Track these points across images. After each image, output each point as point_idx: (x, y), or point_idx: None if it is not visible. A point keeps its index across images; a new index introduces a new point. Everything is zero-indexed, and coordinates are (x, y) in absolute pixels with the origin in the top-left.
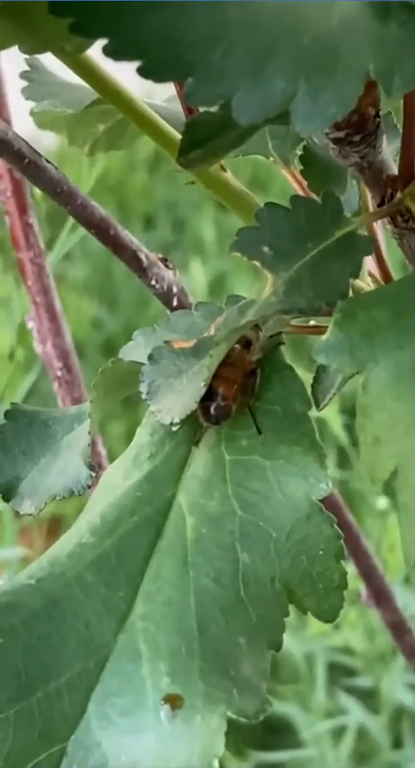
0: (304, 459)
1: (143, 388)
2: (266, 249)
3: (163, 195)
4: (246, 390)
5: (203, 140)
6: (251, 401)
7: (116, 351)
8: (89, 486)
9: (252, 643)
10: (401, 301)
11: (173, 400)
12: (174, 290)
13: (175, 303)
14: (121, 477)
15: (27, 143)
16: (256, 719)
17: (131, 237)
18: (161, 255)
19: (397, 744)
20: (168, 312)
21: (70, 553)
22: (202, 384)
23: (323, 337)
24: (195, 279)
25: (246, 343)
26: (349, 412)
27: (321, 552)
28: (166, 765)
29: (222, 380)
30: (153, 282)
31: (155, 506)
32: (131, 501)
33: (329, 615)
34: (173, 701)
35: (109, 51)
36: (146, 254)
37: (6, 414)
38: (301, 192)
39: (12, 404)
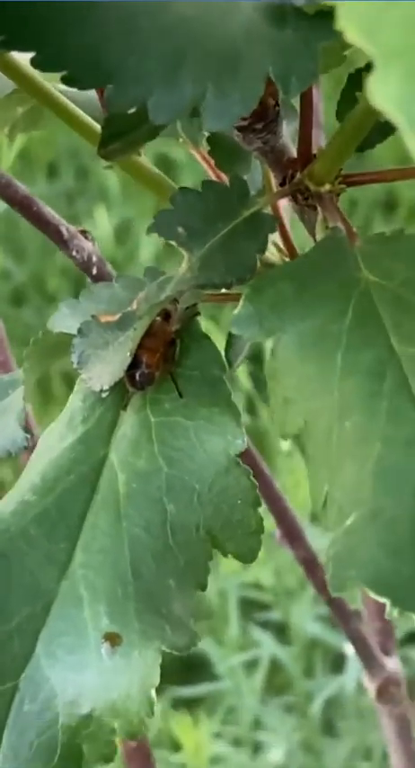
0: (221, 419)
1: (73, 358)
2: (181, 230)
3: (65, 144)
4: (167, 358)
5: (121, 134)
6: (173, 368)
7: (23, 301)
8: (25, 448)
9: (181, 585)
10: (303, 276)
11: (102, 369)
12: (94, 259)
13: (95, 271)
14: (57, 439)
15: None
16: (186, 652)
17: (53, 213)
18: (80, 228)
19: (308, 673)
20: (89, 281)
21: (14, 511)
22: (128, 354)
23: (235, 311)
24: (100, 227)
25: (166, 316)
26: (253, 360)
27: (239, 501)
28: (108, 696)
29: (145, 350)
30: (74, 254)
31: (89, 465)
32: (67, 461)
33: (248, 557)
34: (113, 639)
35: (36, 63)
36: (67, 227)
37: None
38: (209, 171)
39: None
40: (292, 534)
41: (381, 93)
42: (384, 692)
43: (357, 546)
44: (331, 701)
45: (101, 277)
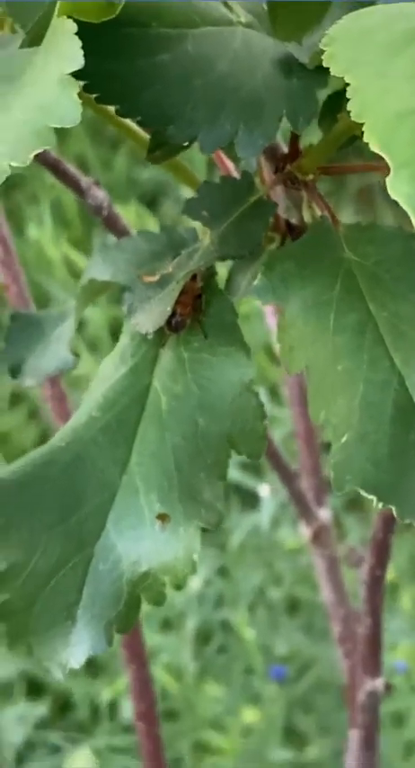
0: (236, 354)
1: (124, 308)
2: (205, 213)
3: None
4: (196, 309)
5: (163, 144)
6: (200, 316)
7: None
8: (72, 368)
9: (209, 477)
10: (302, 256)
11: (146, 317)
12: (105, 204)
13: (106, 213)
14: (113, 369)
15: None
16: (217, 527)
17: (74, 170)
18: (94, 180)
19: (227, 512)
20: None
21: (84, 424)
22: (167, 308)
23: (256, 282)
24: None
25: (193, 277)
26: None
27: (250, 416)
28: (161, 559)
29: (179, 303)
30: (90, 201)
31: (139, 390)
32: (121, 387)
33: (256, 456)
34: (163, 518)
35: (118, 113)
36: (85, 180)
37: (11, 317)
38: (219, 165)
39: (14, 310)
40: None
41: (395, 192)
42: (317, 537)
43: (351, 459)
44: (245, 536)
45: (110, 217)
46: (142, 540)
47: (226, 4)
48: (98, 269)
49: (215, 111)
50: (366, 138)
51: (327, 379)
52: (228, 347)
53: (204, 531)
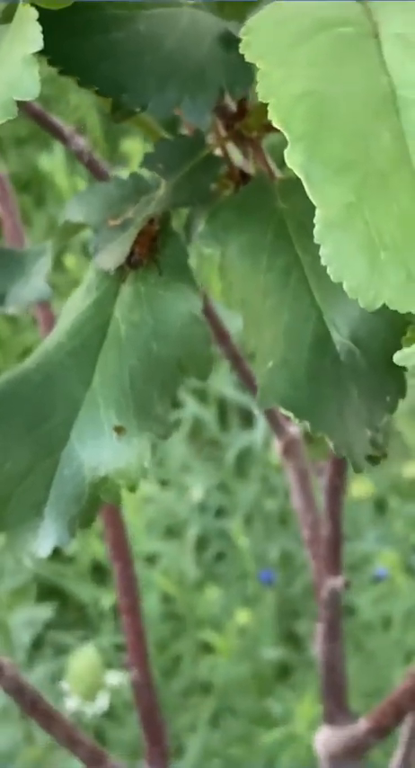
0: (187, 289)
1: (91, 248)
2: (160, 166)
3: None
4: (152, 249)
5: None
6: (156, 255)
7: None
8: (48, 297)
9: (161, 395)
10: (241, 206)
11: (109, 256)
12: (86, 151)
13: (86, 159)
14: (80, 301)
15: None
16: (166, 438)
17: (58, 120)
18: (75, 128)
19: (224, 429)
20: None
21: (54, 347)
22: (127, 248)
23: (201, 228)
24: None
25: (151, 221)
26: None
27: (199, 342)
28: (117, 465)
29: (138, 244)
30: (73, 148)
31: (102, 319)
32: (87, 316)
33: (204, 376)
34: (119, 430)
35: (79, 83)
36: (69, 129)
37: None
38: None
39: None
40: (222, 336)
41: (291, 162)
42: (288, 450)
43: (273, 381)
44: (242, 452)
45: (90, 162)
46: (101, 448)
47: None
48: (74, 210)
49: (163, 81)
50: (269, 116)
51: (257, 313)
52: (180, 283)
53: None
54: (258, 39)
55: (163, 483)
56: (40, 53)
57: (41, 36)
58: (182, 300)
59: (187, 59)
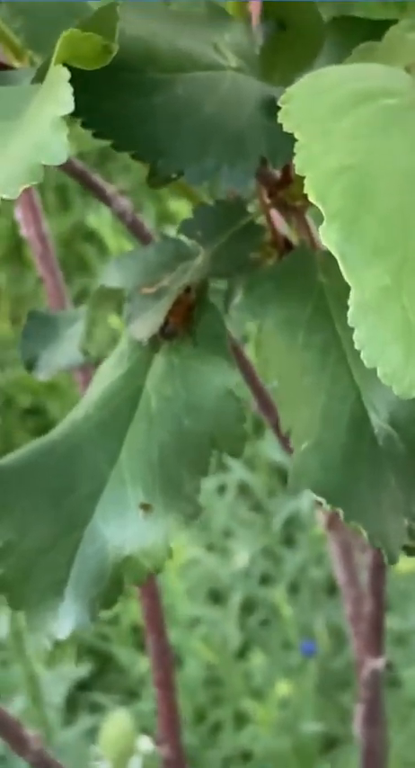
0: (222, 362)
1: (124, 316)
2: (199, 232)
3: None
4: (187, 319)
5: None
6: (191, 326)
7: None
8: (81, 365)
9: (190, 472)
10: (280, 278)
11: (142, 325)
12: (129, 212)
13: (129, 220)
14: (111, 371)
15: None
16: (195, 519)
17: (100, 180)
18: (118, 189)
19: (271, 495)
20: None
21: (82, 418)
22: (161, 317)
23: (236, 300)
24: None
25: (187, 290)
26: None
27: (232, 418)
28: (142, 545)
29: (172, 314)
30: (115, 207)
31: (132, 391)
32: (117, 387)
33: (237, 454)
34: (146, 508)
35: (114, 146)
36: (110, 189)
37: (28, 315)
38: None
39: (33, 309)
40: (267, 407)
41: (326, 239)
42: (331, 522)
43: (307, 464)
44: (289, 519)
45: (133, 224)
46: (126, 526)
47: (218, 50)
48: (111, 275)
49: (201, 147)
50: (305, 190)
51: (293, 391)
52: (215, 356)
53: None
54: (297, 107)
55: (207, 547)
56: (74, 114)
57: (72, 98)
58: (217, 374)
59: (227, 125)
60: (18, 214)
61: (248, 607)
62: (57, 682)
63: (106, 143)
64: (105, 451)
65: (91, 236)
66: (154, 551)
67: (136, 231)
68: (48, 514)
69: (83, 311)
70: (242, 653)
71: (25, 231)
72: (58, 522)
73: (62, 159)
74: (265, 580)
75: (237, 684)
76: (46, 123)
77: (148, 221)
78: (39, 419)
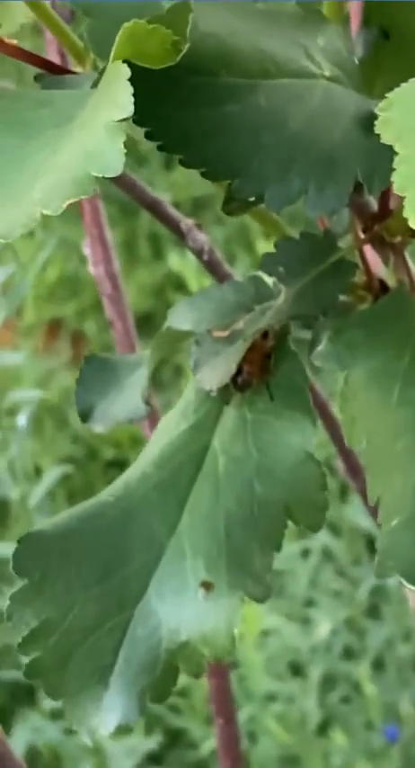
0: (301, 420)
1: (191, 362)
2: (281, 269)
3: None
4: (263, 368)
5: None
6: (267, 376)
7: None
8: (145, 417)
9: (262, 547)
10: (372, 323)
11: (212, 373)
12: (205, 248)
13: (206, 257)
14: (174, 424)
15: None
16: (263, 601)
17: (175, 211)
18: (195, 222)
19: (356, 563)
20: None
21: (138, 478)
22: (233, 365)
23: (319, 348)
24: None
25: (265, 334)
26: None
27: (311, 485)
28: (201, 629)
29: (247, 361)
30: (190, 243)
31: (197, 448)
32: (180, 443)
33: (316, 528)
34: (207, 586)
35: (182, 162)
36: (186, 222)
37: (85, 359)
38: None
39: (90, 352)
40: (354, 470)
41: None
42: None
43: (397, 544)
44: (375, 589)
45: (211, 261)
46: (183, 606)
47: (310, 56)
48: (180, 316)
49: (284, 167)
50: (404, 213)
51: (384, 456)
52: (293, 411)
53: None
54: (398, 116)
55: (287, 616)
56: (136, 122)
57: (132, 100)
58: (295, 433)
59: (316, 142)
60: (86, 250)
61: (328, 682)
62: (126, 754)
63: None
64: (163, 518)
65: (182, 286)
66: (216, 638)
67: (213, 269)
68: (95, 589)
69: (147, 356)
70: (321, 731)
71: (93, 269)
72: (106, 598)
73: (117, 170)
74: (348, 654)
75: (315, 765)
76: (100, 128)
77: (241, 272)
78: (121, 472)
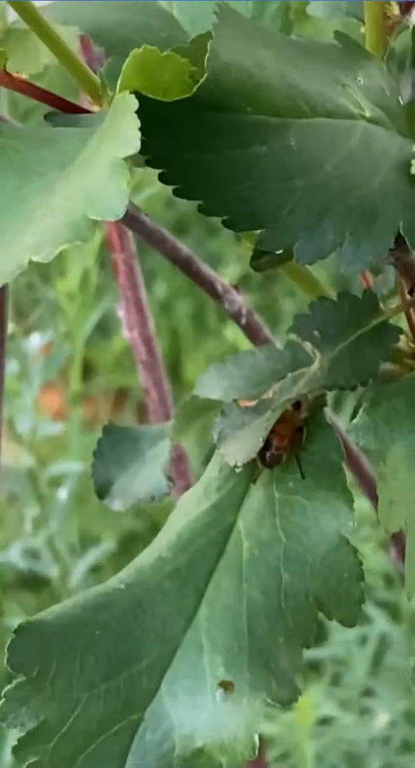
0: (336, 501)
1: (214, 434)
2: (316, 333)
3: None
4: (295, 442)
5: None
6: (299, 451)
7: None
8: (166, 494)
9: (289, 643)
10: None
11: (237, 447)
12: (243, 311)
13: (244, 321)
14: (194, 503)
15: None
16: (288, 707)
17: (209, 270)
18: (233, 283)
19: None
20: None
21: (152, 565)
22: (261, 439)
23: (354, 420)
24: None
25: (297, 405)
26: None
27: (346, 575)
28: (218, 735)
29: (276, 434)
30: (226, 306)
31: (219, 530)
32: (200, 525)
33: (350, 622)
34: (226, 686)
35: (202, 209)
36: (222, 282)
37: (104, 429)
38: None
39: (109, 421)
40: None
41: None
42: None
43: None
44: None
45: (249, 325)
46: (199, 709)
47: (348, 95)
48: (209, 384)
49: (317, 216)
50: None
51: None
52: (327, 491)
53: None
54: None
55: (343, 705)
56: (150, 163)
57: (139, 134)
58: (329, 515)
59: (352, 189)
60: (120, 312)
61: None
62: None
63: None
64: (179, 609)
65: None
66: (234, 745)
67: (252, 334)
68: (100, 688)
69: (170, 427)
70: None
71: (128, 334)
72: (113, 698)
73: (118, 213)
74: (407, 747)
75: None
76: (102, 167)
77: None
78: None
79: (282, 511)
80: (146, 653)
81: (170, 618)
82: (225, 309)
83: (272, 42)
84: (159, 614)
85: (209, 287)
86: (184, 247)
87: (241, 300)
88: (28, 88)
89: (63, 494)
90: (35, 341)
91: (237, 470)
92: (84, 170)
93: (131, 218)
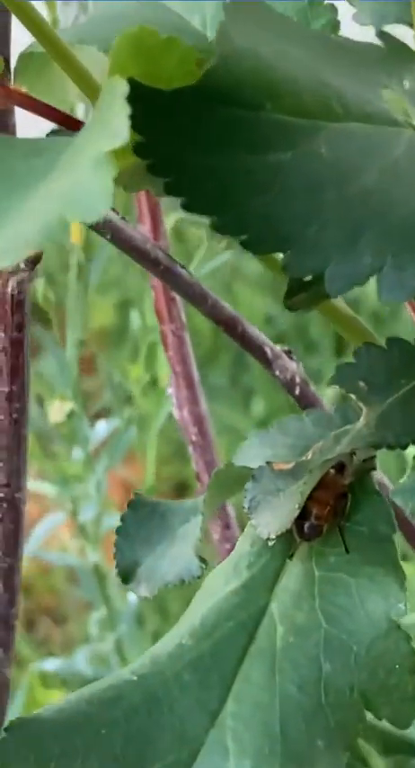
0: (385, 579)
1: (245, 502)
2: (362, 384)
3: None
4: (337, 511)
5: (307, 285)
6: (342, 521)
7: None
8: (199, 577)
9: (330, 746)
10: None
11: (271, 516)
12: (297, 379)
13: (297, 391)
14: (222, 582)
15: (163, 250)
16: None
17: (257, 332)
18: (285, 348)
19: None
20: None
21: (170, 653)
22: (296, 506)
23: (401, 480)
24: None
25: (340, 467)
26: None
27: (397, 666)
28: None
29: (316, 502)
30: (277, 373)
31: (250, 613)
32: (229, 606)
33: (403, 722)
34: None
35: (215, 226)
36: (271, 347)
37: (129, 503)
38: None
39: (135, 493)
40: None
41: None
42: None
43: None
44: None
45: (304, 396)
46: None
47: (393, 100)
48: (250, 452)
49: (351, 236)
50: None
51: None
52: (375, 568)
53: None
54: None
55: None
56: (152, 170)
57: (128, 122)
58: (377, 596)
59: (395, 205)
60: (169, 390)
61: None
62: None
63: None
64: (201, 704)
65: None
66: None
67: (306, 404)
68: None
69: (202, 502)
70: None
71: (178, 413)
72: None
73: (99, 213)
74: None
75: None
76: (84, 162)
77: None
78: None
79: (322, 590)
80: (162, 756)
81: (190, 715)
82: (275, 377)
83: (298, 33)
84: (177, 710)
85: (258, 351)
86: (227, 305)
87: (294, 367)
88: (28, 102)
89: (132, 597)
90: (101, 428)
91: (271, 543)
92: (67, 169)
93: (165, 271)
